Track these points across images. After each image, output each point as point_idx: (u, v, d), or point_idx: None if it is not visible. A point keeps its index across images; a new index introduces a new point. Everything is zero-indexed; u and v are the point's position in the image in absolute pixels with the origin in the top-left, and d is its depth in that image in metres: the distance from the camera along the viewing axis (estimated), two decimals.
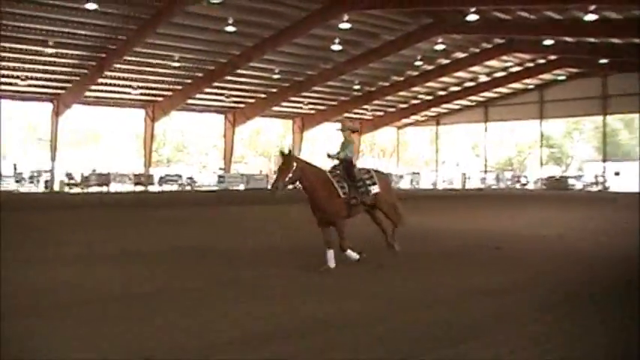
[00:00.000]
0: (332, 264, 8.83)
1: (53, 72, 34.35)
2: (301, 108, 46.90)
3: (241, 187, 44.21)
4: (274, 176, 9.79)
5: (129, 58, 33.50)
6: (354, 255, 9.23)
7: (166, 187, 41.74)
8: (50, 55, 31.54)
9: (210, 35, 32.41)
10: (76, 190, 37.10)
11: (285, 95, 42.87)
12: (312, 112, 47.92)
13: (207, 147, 64.52)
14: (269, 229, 15.19)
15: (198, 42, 33.20)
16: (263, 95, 43.25)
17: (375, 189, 9.70)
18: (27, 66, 32.79)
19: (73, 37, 30.36)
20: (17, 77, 33.46)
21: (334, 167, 9.62)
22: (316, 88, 42.59)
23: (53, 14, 27.88)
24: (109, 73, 34.87)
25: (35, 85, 35.10)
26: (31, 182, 36.99)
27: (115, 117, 51.61)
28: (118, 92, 38.66)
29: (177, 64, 35.38)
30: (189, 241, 12.23)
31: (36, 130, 51.68)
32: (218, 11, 29.35)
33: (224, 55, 35.78)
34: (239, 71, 37.38)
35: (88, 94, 36.77)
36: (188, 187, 42.69)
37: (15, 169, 37.74)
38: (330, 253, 8.90)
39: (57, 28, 29.18)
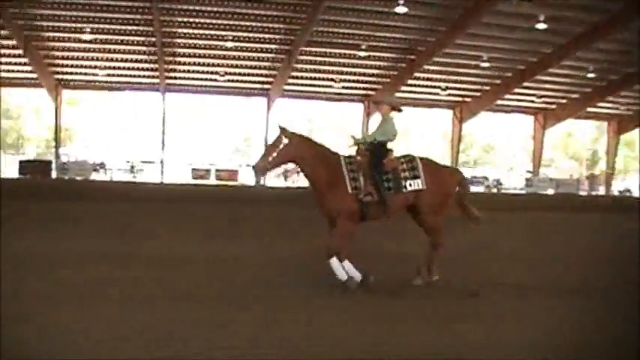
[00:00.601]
0: (342, 275, 7.04)
1: (365, 74, 36.79)
2: (618, 109, 42.46)
3: (550, 191, 42.18)
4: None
5: (438, 60, 34.07)
6: (341, 270, 7.07)
7: (473, 189, 41.62)
8: (362, 59, 33.83)
9: (519, 34, 31.30)
10: None
11: (600, 95, 39.32)
12: (630, 113, 42.95)
13: (514, 149, 62.74)
14: (555, 237, 14.06)
15: (507, 41, 32.37)
16: (575, 95, 40.27)
17: (415, 184, 7.34)
18: (341, 69, 35.71)
19: (384, 40, 32.12)
20: (332, 80, 36.68)
21: (357, 152, 7.49)
22: (637, 87, 38.01)
23: (365, 19, 29.87)
24: (417, 75, 35.96)
25: (348, 87, 38.06)
26: None
27: (422, 117, 52.98)
28: (427, 93, 39.64)
29: (486, 65, 34.96)
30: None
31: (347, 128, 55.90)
32: (528, 8, 28.19)
33: (534, 53, 34.28)
34: (550, 70, 35.37)
35: (397, 94, 38.44)
36: (494, 189, 42.16)
37: None
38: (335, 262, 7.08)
39: (369, 32, 31.19)
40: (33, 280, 7.07)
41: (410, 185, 7.35)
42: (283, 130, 7.30)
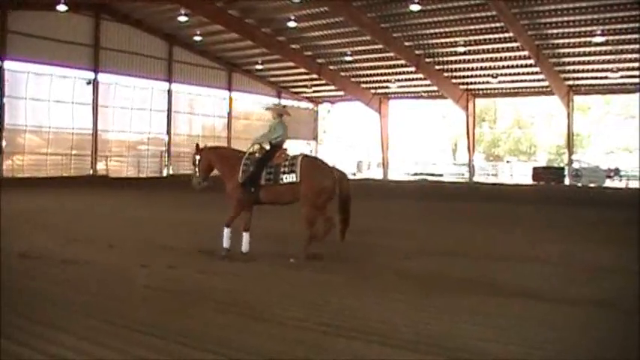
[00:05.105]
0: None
1: None
2: None
3: None
4: None
5: None
6: (227, 239, 8.86)
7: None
8: None
9: None
10: None
11: None
12: None
13: None
14: None
15: None
16: None
17: (290, 178, 8.57)
18: None
19: None
20: None
21: (260, 150, 9.08)
22: None
23: None
24: None
25: None
26: None
27: None
28: None
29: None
30: None
31: None
32: None
33: None
34: None
35: None
36: None
37: None
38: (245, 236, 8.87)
39: None
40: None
41: (286, 178, 8.59)
42: (197, 149, 9.50)
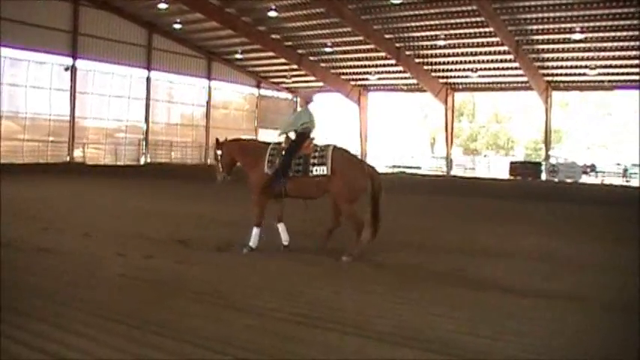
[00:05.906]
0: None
1: None
2: None
3: None
4: None
5: None
6: (255, 238, 8.48)
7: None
8: None
9: None
10: None
11: None
12: None
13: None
14: None
15: None
16: None
17: (321, 170, 8.17)
18: None
19: None
20: None
21: (286, 140, 8.65)
22: None
23: None
24: None
25: None
26: None
27: None
28: None
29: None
30: None
31: None
32: None
33: None
34: None
35: None
36: None
37: None
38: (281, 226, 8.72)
39: None
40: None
41: (316, 170, 8.20)
42: (217, 144, 9.21)
